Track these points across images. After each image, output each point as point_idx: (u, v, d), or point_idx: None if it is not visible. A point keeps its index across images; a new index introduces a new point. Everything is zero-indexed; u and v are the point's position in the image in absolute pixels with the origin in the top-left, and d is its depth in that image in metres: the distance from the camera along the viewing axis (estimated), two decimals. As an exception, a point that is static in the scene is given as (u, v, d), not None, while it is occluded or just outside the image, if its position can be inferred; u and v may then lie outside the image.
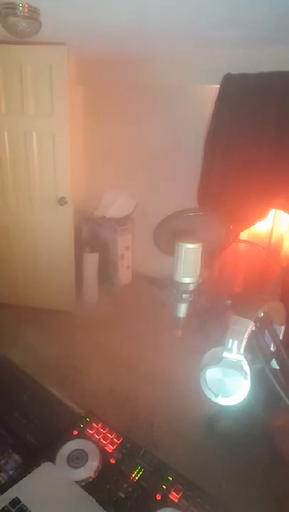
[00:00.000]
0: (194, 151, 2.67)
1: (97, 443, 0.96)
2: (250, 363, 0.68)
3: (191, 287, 0.88)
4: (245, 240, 2.69)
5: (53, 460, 0.90)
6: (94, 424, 1.02)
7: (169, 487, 0.87)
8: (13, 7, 1.58)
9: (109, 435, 0.99)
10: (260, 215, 2.48)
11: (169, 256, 0.90)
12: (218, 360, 0.67)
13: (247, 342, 0.67)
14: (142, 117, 3.15)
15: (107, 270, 3.52)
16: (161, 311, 3.06)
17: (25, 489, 0.83)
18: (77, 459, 0.91)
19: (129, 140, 3.31)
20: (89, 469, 0.88)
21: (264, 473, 1.87)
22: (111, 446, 0.96)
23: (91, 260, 3.32)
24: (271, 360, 0.76)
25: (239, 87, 2.30)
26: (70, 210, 2.87)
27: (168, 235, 0.90)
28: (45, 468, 0.88)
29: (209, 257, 0.94)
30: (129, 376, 2.49)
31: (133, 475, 0.89)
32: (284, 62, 2.17)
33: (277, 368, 0.76)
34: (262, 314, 0.73)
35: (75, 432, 0.99)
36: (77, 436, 0.98)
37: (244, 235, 2.67)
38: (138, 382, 2.44)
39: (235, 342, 0.66)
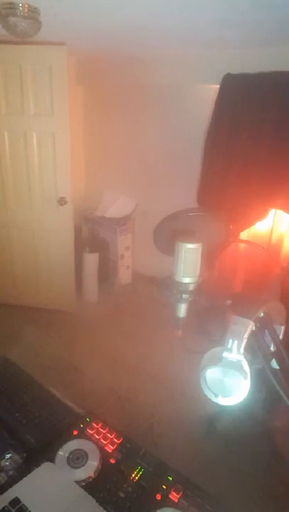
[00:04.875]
0: (194, 151, 2.67)
1: (97, 443, 0.96)
2: (250, 363, 0.68)
3: (191, 287, 0.88)
4: (245, 240, 2.69)
5: (53, 460, 0.90)
6: (94, 424, 1.02)
7: (169, 487, 0.87)
8: (13, 7, 1.58)
9: (109, 435, 0.99)
10: (261, 215, 2.48)
11: (169, 256, 0.90)
12: (218, 360, 0.68)
13: (247, 342, 0.67)
14: (141, 117, 3.15)
15: (107, 270, 3.51)
16: (161, 311, 3.06)
17: (25, 489, 0.83)
18: (77, 459, 0.91)
19: (129, 140, 3.31)
20: (89, 469, 0.88)
21: (264, 473, 1.87)
22: (111, 446, 0.96)
23: (91, 260, 3.32)
24: (271, 360, 0.76)
25: (239, 87, 2.30)
26: (70, 210, 2.87)
27: (168, 235, 0.90)
28: (45, 468, 0.88)
29: (209, 257, 0.94)
30: (129, 376, 2.49)
31: (133, 475, 0.89)
32: (284, 62, 2.17)
33: (277, 367, 0.76)
34: (262, 314, 0.73)
35: (75, 432, 0.99)
36: (77, 436, 0.98)
37: (244, 235, 2.67)
38: (138, 381, 2.44)
39: (235, 342, 0.66)
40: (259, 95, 2.23)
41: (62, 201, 2.81)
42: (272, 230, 2.69)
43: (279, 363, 0.76)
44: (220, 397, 0.69)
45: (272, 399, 1.55)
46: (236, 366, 0.66)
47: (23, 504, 0.80)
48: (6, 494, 0.82)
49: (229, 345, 0.67)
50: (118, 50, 2.70)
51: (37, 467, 0.88)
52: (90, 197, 3.65)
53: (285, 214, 2.51)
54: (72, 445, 0.94)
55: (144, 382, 2.43)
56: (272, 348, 0.77)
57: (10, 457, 0.92)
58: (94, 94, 3.41)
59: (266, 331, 0.76)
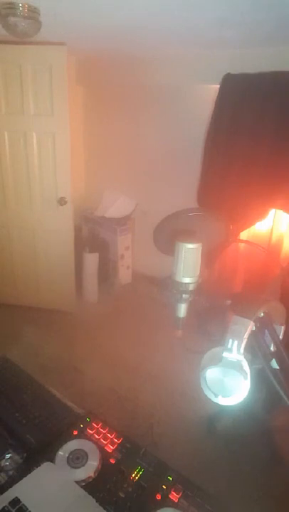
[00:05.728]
0: (194, 151, 2.67)
1: (97, 443, 0.96)
2: (250, 363, 0.68)
3: (191, 287, 0.88)
4: (245, 240, 2.69)
5: (53, 460, 0.90)
6: (94, 424, 1.02)
7: (169, 487, 0.87)
8: (13, 7, 1.57)
9: (109, 435, 0.99)
10: (261, 215, 2.48)
11: (169, 256, 0.90)
12: (218, 360, 0.68)
13: (247, 342, 0.67)
14: (142, 117, 3.15)
15: (107, 270, 3.51)
16: (161, 311, 3.06)
17: (25, 489, 0.84)
18: (77, 459, 0.91)
19: (129, 140, 3.31)
20: (89, 469, 0.88)
21: (264, 473, 1.87)
22: (111, 446, 0.96)
23: (91, 260, 3.32)
24: (271, 360, 0.76)
25: (239, 87, 2.30)
26: (70, 210, 2.87)
27: (168, 235, 0.90)
28: (45, 468, 0.88)
29: (209, 257, 0.94)
30: (129, 376, 2.49)
31: (133, 475, 0.89)
32: (284, 62, 2.17)
33: (277, 367, 0.76)
34: (262, 314, 0.73)
35: (75, 432, 0.99)
36: (77, 436, 0.98)
37: (244, 235, 2.67)
38: (138, 381, 2.44)
39: (235, 342, 0.66)
40: (259, 95, 2.23)
41: (62, 201, 2.81)
42: (272, 230, 2.69)
43: (279, 363, 0.76)
44: (220, 397, 0.69)
45: (272, 399, 1.55)
46: (236, 366, 0.66)
47: (23, 504, 0.80)
48: (6, 494, 0.82)
49: (229, 345, 0.67)
50: (118, 50, 2.70)
51: (37, 467, 0.88)
52: (90, 197, 3.65)
53: (285, 214, 2.51)
54: (72, 445, 0.94)
55: (144, 382, 2.43)
56: (272, 348, 0.77)
57: (10, 457, 0.92)
58: (94, 94, 3.41)
59: (266, 331, 0.76)
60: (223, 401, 0.69)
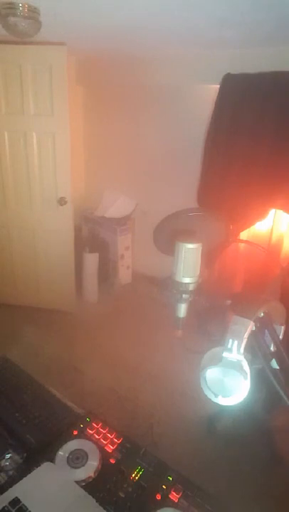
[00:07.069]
0: (194, 151, 2.67)
1: (97, 443, 0.96)
2: (250, 363, 0.68)
3: (191, 287, 0.88)
4: (245, 240, 2.69)
5: (53, 460, 0.90)
6: (94, 424, 1.02)
7: (169, 487, 0.87)
8: (13, 7, 1.57)
9: (109, 435, 0.99)
10: (261, 215, 2.48)
11: (169, 256, 0.90)
12: (218, 360, 0.68)
13: (247, 342, 0.67)
14: (142, 117, 3.15)
15: (107, 270, 3.51)
16: (161, 311, 3.06)
17: (25, 489, 0.84)
18: (77, 459, 0.91)
19: (129, 140, 3.31)
20: (89, 469, 0.88)
21: (264, 473, 1.87)
22: (111, 446, 0.96)
23: (91, 260, 3.32)
24: (271, 360, 0.76)
25: (239, 87, 2.30)
26: (70, 210, 2.87)
27: (168, 235, 0.90)
28: (45, 468, 0.88)
29: (209, 257, 0.94)
30: (129, 376, 2.49)
31: (133, 475, 0.89)
32: (284, 62, 2.17)
33: (277, 367, 0.76)
34: (262, 314, 0.73)
35: (75, 432, 0.99)
36: (77, 436, 0.98)
37: (244, 235, 2.67)
38: (138, 381, 2.44)
39: (235, 342, 0.66)
40: (259, 95, 2.23)
41: (62, 201, 2.81)
42: (272, 230, 2.69)
43: (279, 363, 0.76)
44: (220, 397, 0.69)
45: (272, 399, 1.55)
46: (236, 366, 0.66)
47: (23, 504, 0.80)
48: (6, 494, 0.82)
49: (229, 345, 0.67)
50: (118, 50, 2.70)
51: (37, 467, 0.88)
52: (90, 197, 3.65)
53: (285, 214, 2.51)
54: (72, 445, 0.94)
55: (144, 382, 2.43)
56: (272, 348, 0.77)
57: (10, 457, 0.92)
58: (94, 94, 3.41)
59: (266, 331, 0.76)
60: (223, 401, 0.69)
